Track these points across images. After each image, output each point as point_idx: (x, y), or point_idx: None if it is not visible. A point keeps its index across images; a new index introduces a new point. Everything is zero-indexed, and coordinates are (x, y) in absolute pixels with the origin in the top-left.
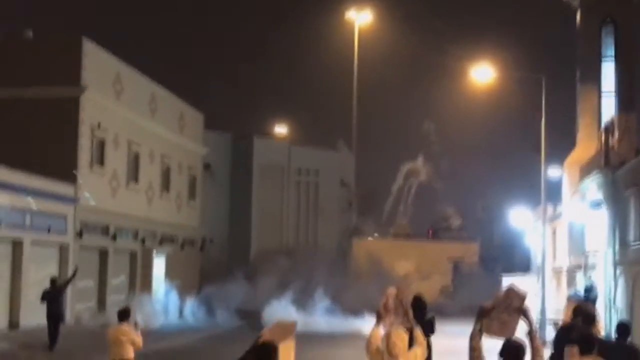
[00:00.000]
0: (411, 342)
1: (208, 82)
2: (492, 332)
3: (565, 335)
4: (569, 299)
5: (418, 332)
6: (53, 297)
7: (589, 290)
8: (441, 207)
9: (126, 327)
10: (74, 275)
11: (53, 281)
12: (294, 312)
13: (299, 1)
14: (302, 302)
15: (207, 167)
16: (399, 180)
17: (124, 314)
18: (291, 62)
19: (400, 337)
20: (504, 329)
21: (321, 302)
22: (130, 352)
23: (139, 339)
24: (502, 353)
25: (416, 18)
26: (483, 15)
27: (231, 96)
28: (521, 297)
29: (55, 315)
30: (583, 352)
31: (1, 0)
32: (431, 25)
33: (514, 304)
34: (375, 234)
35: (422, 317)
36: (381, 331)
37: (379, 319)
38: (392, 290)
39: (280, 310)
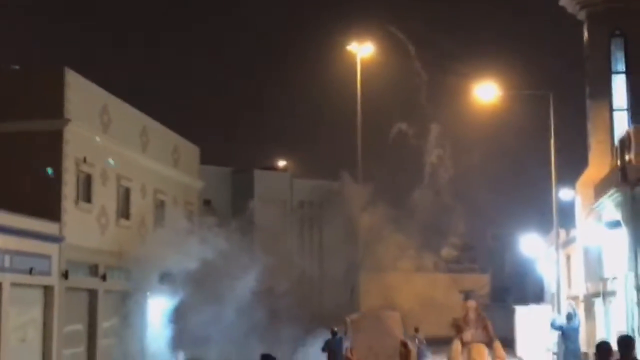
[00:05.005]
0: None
1: (208, 119)
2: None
3: None
4: None
5: (497, 345)
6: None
7: (570, 318)
8: (451, 239)
9: None
10: None
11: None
12: None
13: (300, 36)
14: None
15: (207, 203)
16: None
17: None
18: (292, 97)
19: (480, 352)
20: None
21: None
22: None
23: None
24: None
25: (420, 40)
26: (487, 30)
27: (231, 133)
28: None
29: None
30: None
31: None
32: (437, 46)
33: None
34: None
35: None
36: (461, 345)
37: (459, 331)
38: (471, 303)
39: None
